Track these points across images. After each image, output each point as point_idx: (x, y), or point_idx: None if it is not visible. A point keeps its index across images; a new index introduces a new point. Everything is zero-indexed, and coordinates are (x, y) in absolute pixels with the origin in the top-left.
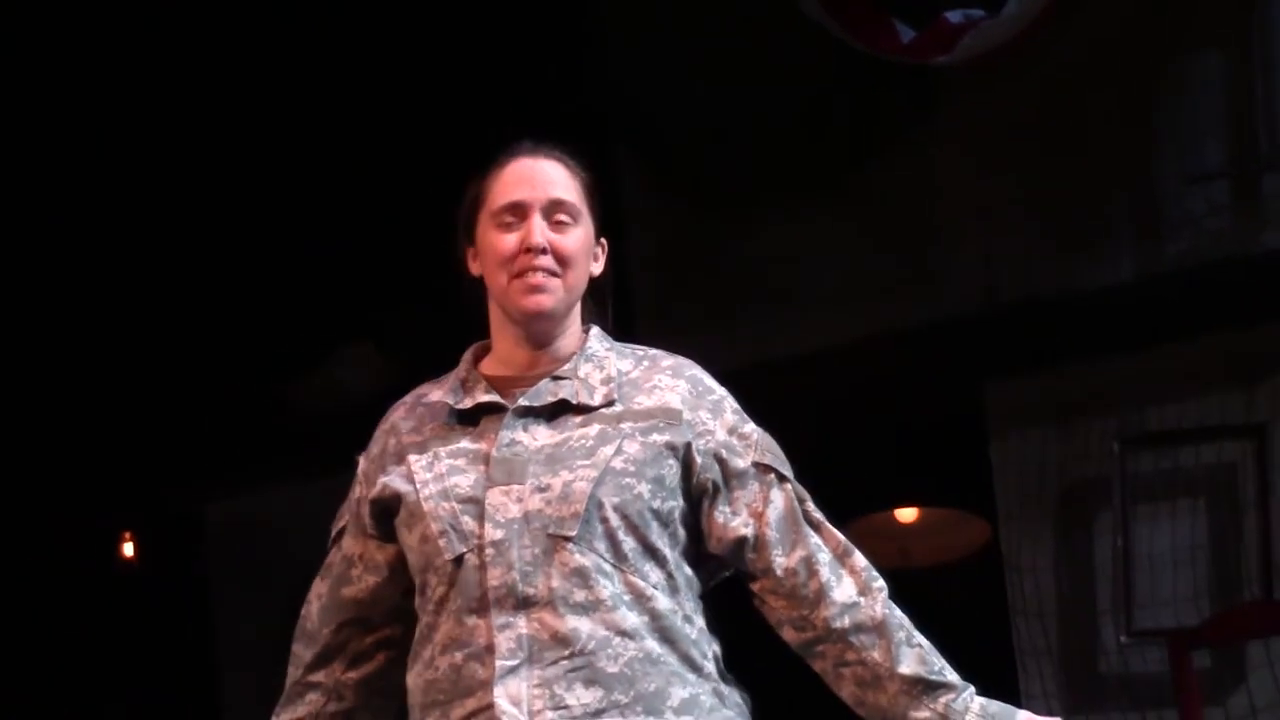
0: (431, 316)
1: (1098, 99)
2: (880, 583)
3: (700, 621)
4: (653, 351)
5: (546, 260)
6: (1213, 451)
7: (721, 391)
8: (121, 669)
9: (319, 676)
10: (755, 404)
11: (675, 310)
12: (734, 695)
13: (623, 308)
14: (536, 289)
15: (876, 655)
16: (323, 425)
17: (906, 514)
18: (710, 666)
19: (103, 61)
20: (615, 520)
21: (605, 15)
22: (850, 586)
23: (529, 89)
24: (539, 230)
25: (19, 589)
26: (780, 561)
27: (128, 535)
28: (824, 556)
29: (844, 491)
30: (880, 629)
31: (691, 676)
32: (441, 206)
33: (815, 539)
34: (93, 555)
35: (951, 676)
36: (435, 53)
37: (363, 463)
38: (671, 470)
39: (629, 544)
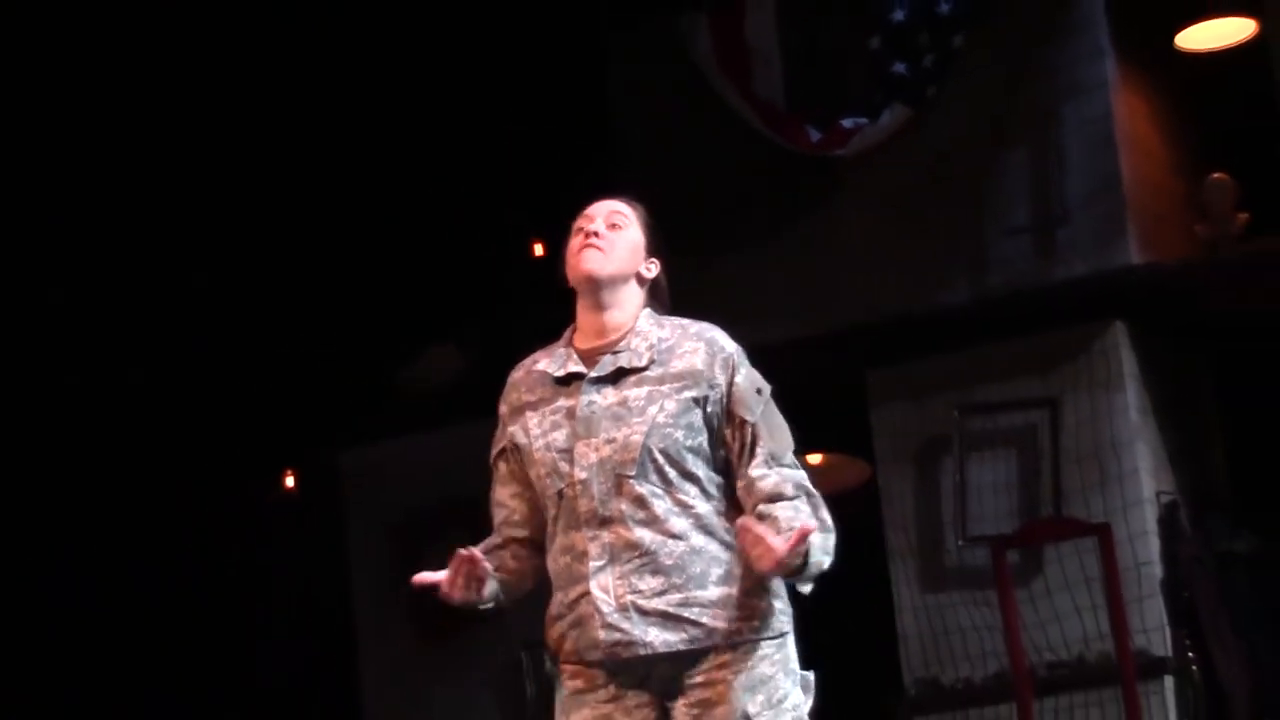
0: (495, 326)
1: (944, 176)
2: (798, 479)
3: (732, 512)
4: (685, 321)
5: (596, 240)
6: (1021, 416)
7: (731, 348)
8: (276, 575)
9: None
10: None
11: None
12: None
13: None
14: (584, 257)
15: (762, 506)
16: (419, 399)
17: (814, 458)
18: (720, 538)
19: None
20: (661, 459)
21: (620, 116)
22: (772, 480)
23: (562, 162)
24: (597, 225)
25: (207, 514)
26: (738, 481)
27: (288, 472)
28: (759, 469)
29: None
30: (770, 496)
31: (725, 555)
32: (510, 246)
33: (758, 469)
34: (264, 489)
35: (784, 515)
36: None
37: (501, 406)
38: (697, 416)
39: (672, 473)
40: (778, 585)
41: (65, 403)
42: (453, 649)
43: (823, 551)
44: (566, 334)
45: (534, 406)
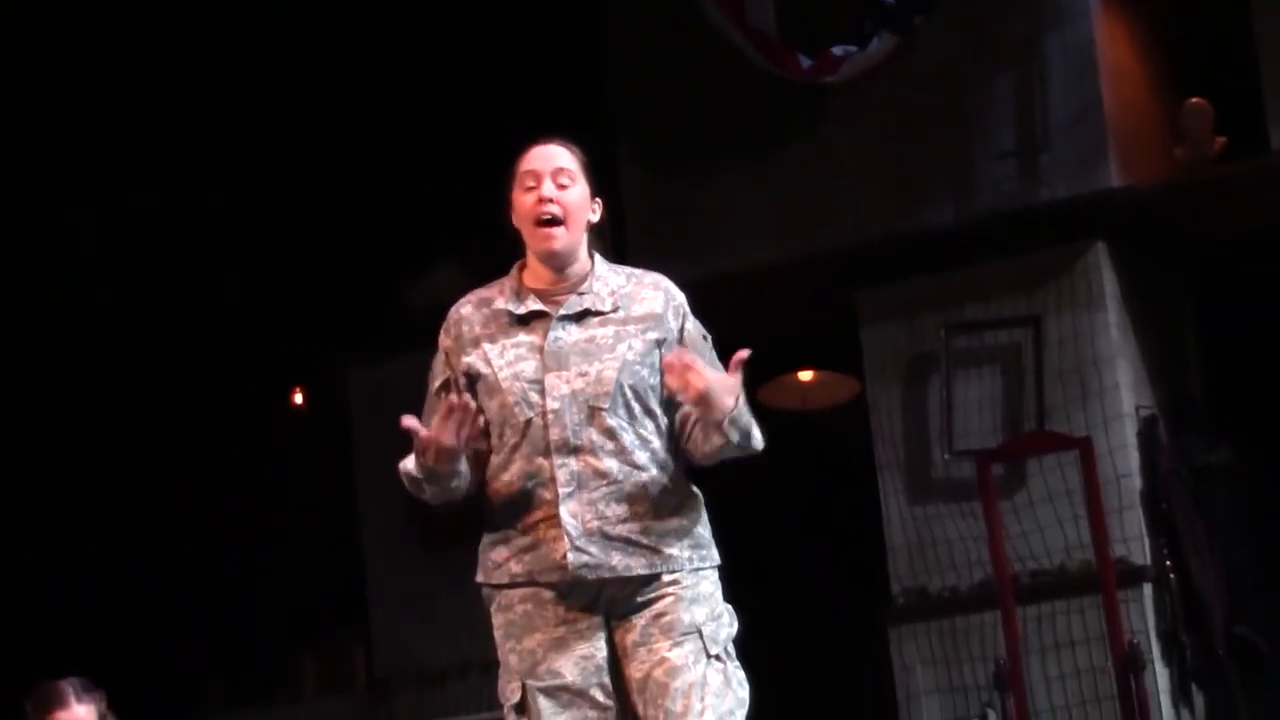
0: (499, 247)
1: (931, 102)
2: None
3: (676, 448)
4: (635, 271)
5: (553, 209)
6: (1005, 334)
7: (680, 297)
8: (288, 481)
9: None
10: (708, 303)
11: (658, 242)
12: (698, 495)
13: (620, 237)
14: (548, 238)
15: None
16: (426, 318)
17: (806, 375)
18: (684, 478)
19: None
20: (630, 395)
21: (616, 39)
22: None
23: (567, 97)
24: (548, 188)
25: (221, 423)
26: (678, 414)
27: (298, 388)
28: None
29: (767, 360)
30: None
31: (678, 489)
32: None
33: None
34: (273, 403)
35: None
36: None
37: (444, 339)
38: (657, 357)
39: (637, 408)
40: (708, 520)
41: (83, 323)
42: (456, 559)
43: (747, 411)
44: (515, 272)
45: (491, 339)
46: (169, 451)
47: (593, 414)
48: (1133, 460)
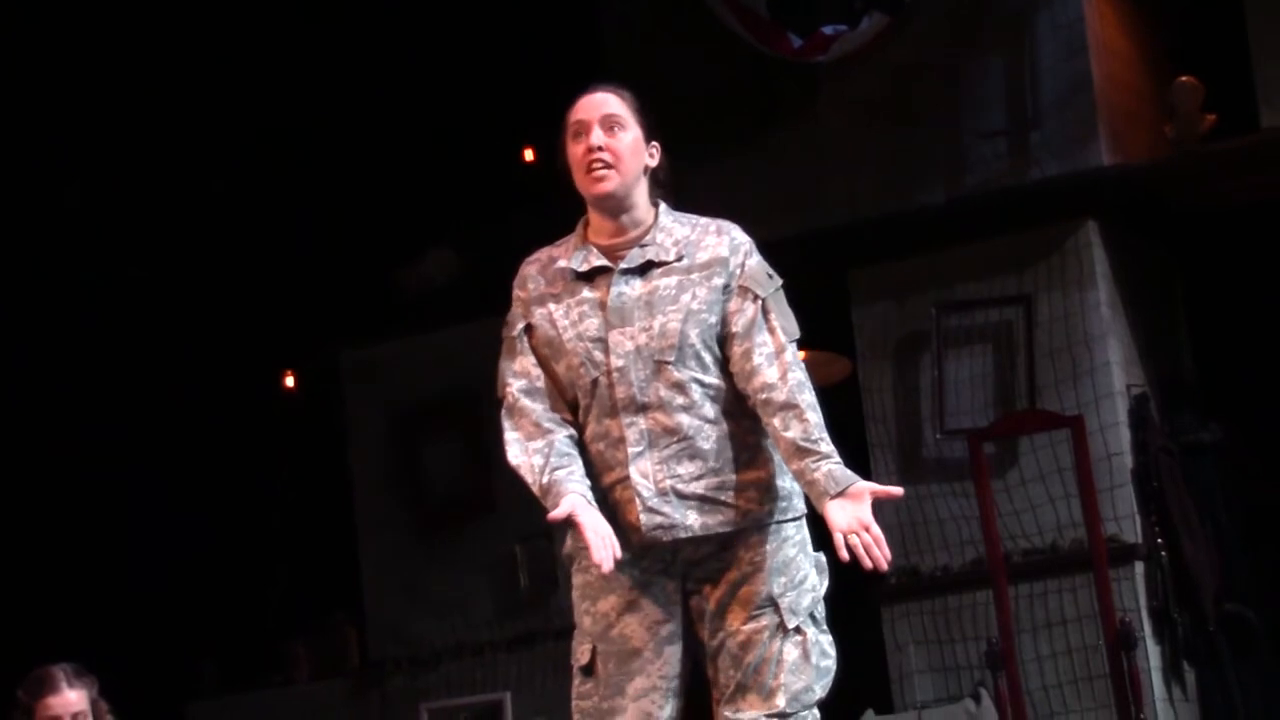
0: (491, 232)
1: (921, 82)
2: (798, 376)
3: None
4: (702, 219)
5: (603, 155)
6: (996, 313)
7: (744, 240)
8: (280, 465)
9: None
10: None
11: None
12: (772, 443)
13: None
14: (599, 179)
15: (776, 422)
16: (417, 301)
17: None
18: (759, 428)
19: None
20: (698, 344)
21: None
22: (774, 373)
23: (559, 79)
24: (597, 136)
25: (212, 407)
26: (736, 348)
27: (289, 373)
28: (764, 350)
29: None
30: (783, 405)
31: (752, 440)
32: (504, 151)
33: (763, 337)
34: (265, 386)
35: (823, 447)
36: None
37: (518, 291)
38: (722, 302)
39: (707, 358)
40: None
41: (78, 301)
42: (449, 542)
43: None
44: (580, 229)
45: (556, 299)
46: (161, 436)
47: (659, 369)
48: (1124, 438)
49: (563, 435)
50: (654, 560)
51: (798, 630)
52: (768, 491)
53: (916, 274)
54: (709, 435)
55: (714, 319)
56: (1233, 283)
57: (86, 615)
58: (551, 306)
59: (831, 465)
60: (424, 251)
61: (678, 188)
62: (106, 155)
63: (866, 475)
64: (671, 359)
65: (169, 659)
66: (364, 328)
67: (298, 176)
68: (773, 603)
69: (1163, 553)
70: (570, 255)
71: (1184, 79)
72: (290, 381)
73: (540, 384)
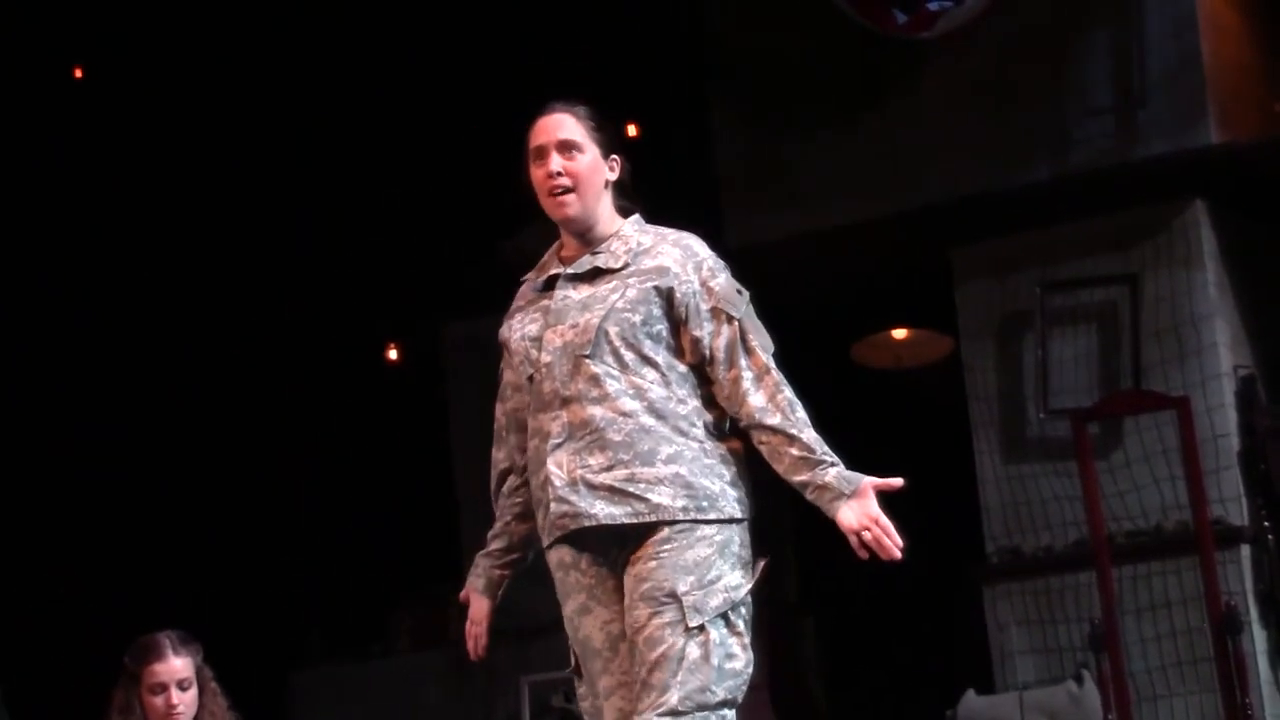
0: None
1: (1026, 58)
2: (786, 395)
3: (694, 403)
4: (669, 231)
5: (563, 180)
6: (1102, 292)
7: (705, 255)
8: (384, 437)
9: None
10: (803, 259)
11: (753, 199)
12: (719, 449)
13: (714, 191)
14: (560, 204)
15: (775, 443)
16: (517, 274)
17: (900, 333)
18: (699, 431)
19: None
20: (616, 342)
21: None
22: (762, 398)
23: (652, 44)
24: (555, 161)
25: (319, 380)
26: (722, 374)
27: (393, 345)
28: (748, 374)
29: (862, 317)
30: (778, 428)
31: (679, 439)
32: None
33: (745, 361)
34: (370, 359)
35: (826, 456)
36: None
37: (502, 329)
38: (658, 305)
39: (629, 356)
40: (738, 475)
41: (186, 279)
42: None
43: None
44: (554, 246)
45: (522, 311)
46: (269, 409)
47: (578, 363)
48: (1231, 420)
49: (510, 483)
50: (592, 560)
51: (701, 629)
52: (686, 489)
53: (1020, 252)
54: (621, 428)
55: (638, 317)
56: None
57: (193, 583)
58: (517, 318)
59: (839, 469)
60: (523, 224)
61: (782, 162)
62: (224, 139)
63: (969, 454)
64: (588, 353)
65: (275, 627)
66: (468, 301)
67: (405, 151)
68: (676, 599)
69: (1270, 536)
70: (538, 271)
71: None
72: (394, 354)
73: (509, 403)
